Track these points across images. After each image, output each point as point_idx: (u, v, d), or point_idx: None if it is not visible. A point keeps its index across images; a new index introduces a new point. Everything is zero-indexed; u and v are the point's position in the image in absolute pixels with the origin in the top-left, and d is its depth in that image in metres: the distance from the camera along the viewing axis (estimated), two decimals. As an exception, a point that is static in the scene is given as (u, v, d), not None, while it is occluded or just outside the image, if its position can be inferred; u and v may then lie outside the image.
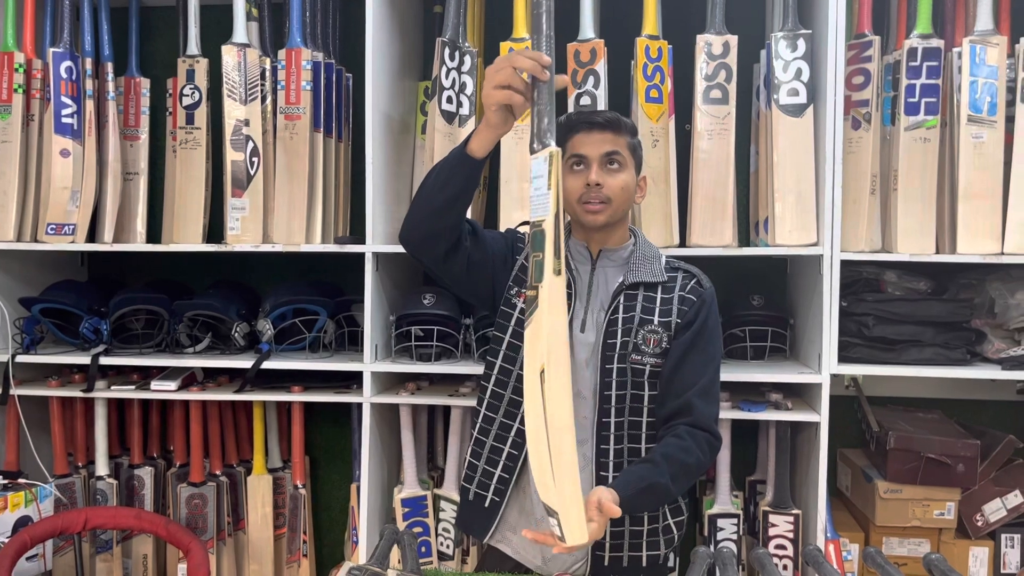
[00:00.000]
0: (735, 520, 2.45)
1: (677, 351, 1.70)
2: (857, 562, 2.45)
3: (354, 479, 2.67)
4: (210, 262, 2.93)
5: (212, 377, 2.70)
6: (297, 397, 2.56)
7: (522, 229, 1.82)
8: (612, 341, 1.70)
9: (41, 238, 2.58)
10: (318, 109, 2.54)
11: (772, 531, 2.40)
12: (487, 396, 1.80)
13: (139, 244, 2.72)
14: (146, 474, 2.76)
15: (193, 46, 2.66)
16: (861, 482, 2.55)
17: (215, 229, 2.72)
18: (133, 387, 2.59)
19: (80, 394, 2.58)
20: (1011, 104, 2.29)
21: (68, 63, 2.57)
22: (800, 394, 2.51)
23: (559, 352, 1.35)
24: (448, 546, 2.54)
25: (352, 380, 2.56)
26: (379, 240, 2.42)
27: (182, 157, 2.66)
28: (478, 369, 2.40)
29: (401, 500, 2.52)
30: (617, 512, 1.44)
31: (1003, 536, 2.44)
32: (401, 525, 2.51)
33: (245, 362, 2.50)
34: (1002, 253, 2.27)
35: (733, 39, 2.37)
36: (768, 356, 2.50)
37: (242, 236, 2.52)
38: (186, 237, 2.63)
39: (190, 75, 2.65)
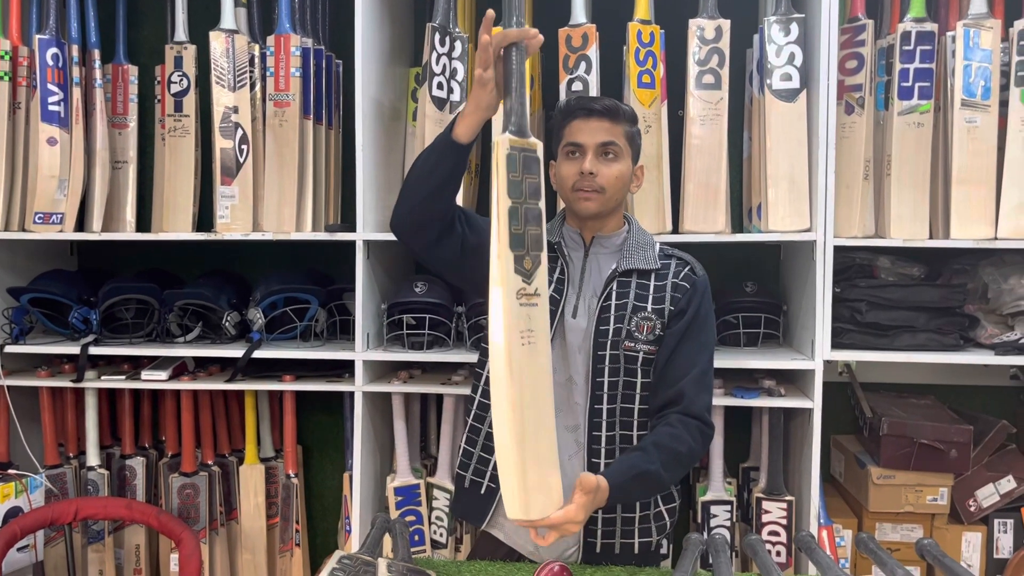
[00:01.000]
0: (728, 507, 2.44)
1: (671, 340, 1.69)
2: (850, 548, 2.45)
3: (347, 468, 2.67)
4: (200, 251, 2.91)
5: (203, 366, 2.68)
6: (289, 386, 2.55)
7: None
8: (604, 327, 1.69)
9: (29, 227, 2.56)
10: (308, 96, 2.52)
11: (765, 517, 2.40)
12: (481, 383, 1.80)
13: (128, 233, 2.70)
14: (138, 464, 2.74)
15: (181, 32, 2.63)
16: (854, 468, 2.55)
17: (205, 218, 2.71)
18: (123, 377, 2.57)
19: (70, 384, 2.56)
20: (1005, 88, 2.29)
21: (54, 50, 2.54)
22: (793, 380, 2.50)
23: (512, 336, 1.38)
24: (441, 534, 2.53)
25: (344, 369, 2.55)
26: (370, 228, 2.40)
27: (171, 145, 2.64)
28: (470, 357, 2.40)
29: (394, 489, 2.52)
30: (593, 482, 1.44)
31: (996, 521, 2.44)
32: (394, 514, 2.50)
33: (236, 351, 2.49)
34: (995, 238, 2.26)
35: (726, 23, 2.35)
36: (761, 343, 2.50)
37: (232, 225, 2.50)
38: (176, 226, 2.61)
39: (178, 62, 2.62)
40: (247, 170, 2.50)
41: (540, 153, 1.49)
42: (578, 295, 1.73)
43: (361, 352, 2.41)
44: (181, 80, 2.62)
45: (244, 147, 2.50)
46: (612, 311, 1.70)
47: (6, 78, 2.53)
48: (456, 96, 2.43)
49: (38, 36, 2.53)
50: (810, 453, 2.26)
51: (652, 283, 1.72)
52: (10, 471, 2.58)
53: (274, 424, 2.85)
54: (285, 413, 2.73)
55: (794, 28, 2.31)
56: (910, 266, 2.45)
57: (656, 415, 1.69)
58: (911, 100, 2.31)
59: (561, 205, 2.34)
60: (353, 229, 2.39)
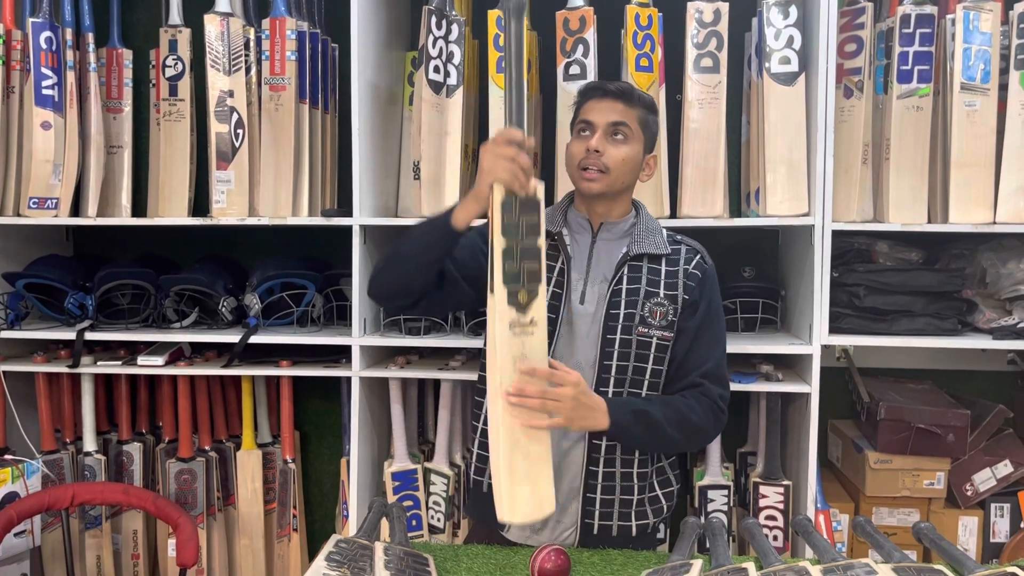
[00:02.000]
0: (725, 491, 2.45)
1: (687, 334, 1.71)
2: (847, 532, 2.45)
3: (344, 453, 2.67)
4: (196, 236, 2.90)
5: (200, 352, 2.68)
6: (286, 372, 2.54)
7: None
8: (615, 312, 1.69)
9: (24, 212, 2.55)
10: (303, 80, 2.50)
11: (763, 502, 2.40)
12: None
13: (124, 218, 2.69)
14: (135, 450, 2.74)
15: (175, 15, 2.62)
16: (851, 453, 2.56)
17: (201, 203, 2.69)
18: (120, 362, 2.57)
19: (66, 370, 2.55)
20: (1004, 72, 2.27)
21: (48, 33, 2.52)
22: (791, 365, 2.50)
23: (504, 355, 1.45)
24: (439, 519, 2.54)
25: (341, 354, 2.54)
26: (366, 213, 2.39)
27: (166, 129, 2.63)
28: (468, 342, 2.40)
29: (391, 474, 2.52)
30: (560, 370, 1.50)
31: (992, 505, 2.44)
32: (392, 499, 2.50)
33: (233, 337, 2.48)
34: (994, 223, 2.25)
35: (724, 6, 2.33)
36: (759, 327, 2.50)
37: (228, 209, 2.49)
38: (171, 211, 2.60)
39: (172, 45, 2.60)
40: (243, 155, 2.49)
41: (541, 194, 1.51)
42: (585, 281, 1.72)
43: (358, 337, 2.40)
44: (176, 64, 2.61)
45: (240, 131, 2.49)
46: (623, 295, 1.69)
47: (-1, 62, 2.52)
48: (453, 80, 2.41)
49: (31, 19, 2.51)
50: (807, 438, 2.27)
51: (664, 268, 1.72)
52: (7, 457, 2.57)
53: (271, 409, 2.85)
54: (282, 398, 2.72)
55: (793, 11, 2.29)
56: (908, 251, 2.44)
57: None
58: (910, 84, 2.30)
59: (560, 192, 2.35)
60: (350, 214, 2.38)
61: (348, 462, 2.52)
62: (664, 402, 1.67)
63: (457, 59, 2.42)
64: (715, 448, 2.45)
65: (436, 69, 2.38)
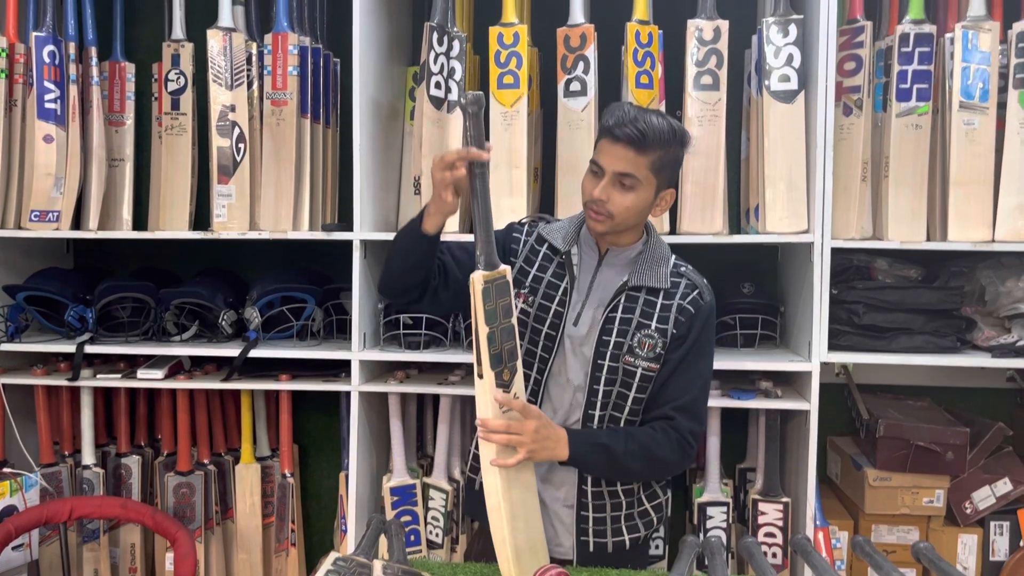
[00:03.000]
0: (724, 508, 2.44)
1: (669, 365, 1.72)
2: (846, 550, 2.45)
3: (343, 468, 2.66)
4: (197, 250, 2.90)
5: (199, 365, 2.68)
6: (285, 386, 2.54)
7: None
8: (607, 339, 1.70)
9: (25, 225, 2.55)
10: (305, 94, 2.51)
11: (762, 519, 2.40)
12: None
13: (125, 231, 2.69)
14: (133, 463, 2.74)
15: (178, 30, 2.63)
16: (851, 470, 2.55)
17: (202, 216, 2.70)
18: (119, 375, 2.57)
19: (65, 383, 2.55)
20: (1003, 90, 2.28)
21: (51, 47, 2.53)
22: (790, 382, 2.50)
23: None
24: (437, 535, 2.53)
25: (340, 368, 2.54)
26: (367, 227, 2.40)
27: (168, 143, 2.63)
28: (467, 357, 2.40)
29: (390, 489, 2.51)
30: (509, 401, 1.57)
31: (992, 523, 2.44)
32: (390, 514, 2.50)
33: (232, 350, 2.48)
34: (993, 240, 2.26)
35: (724, 24, 2.34)
36: (758, 344, 2.50)
37: (229, 223, 2.49)
38: (172, 224, 2.60)
39: (175, 60, 2.62)
40: (244, 169, 2.50)
41: (509, 277, 1.60)
42: (583, 303, 1.73)
43: (358, 352, 2.40)
44: (178, 78, 2.62)
45: (241, 146, 2.50)
46: (616, 323, 1.70)
47: (2, 75, 2.53)
48: (454, 95, 2.42)
49: (35, 33, 2.52)
50: (806, 454, 2.26)
51: (660, 301, 1.72)
52: (5, 470, 2.57)
53: (270, 423, 2.84)
54: (281, 412, 2.72)
55: (792, 29, 2.30)
56: (907, 268, 2.45)
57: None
58: (909, 102, 2.30)
59: (560, 207, 2.36)
60: (350, 228, 2.38)
61: (347, 476, 2.52)
62: (629, 435, 1.68)
63: (458, 75, 2.43)
64: (714, 464, 2.45)
65: (437, 85, 2.39)
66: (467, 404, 2.57)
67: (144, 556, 2.76)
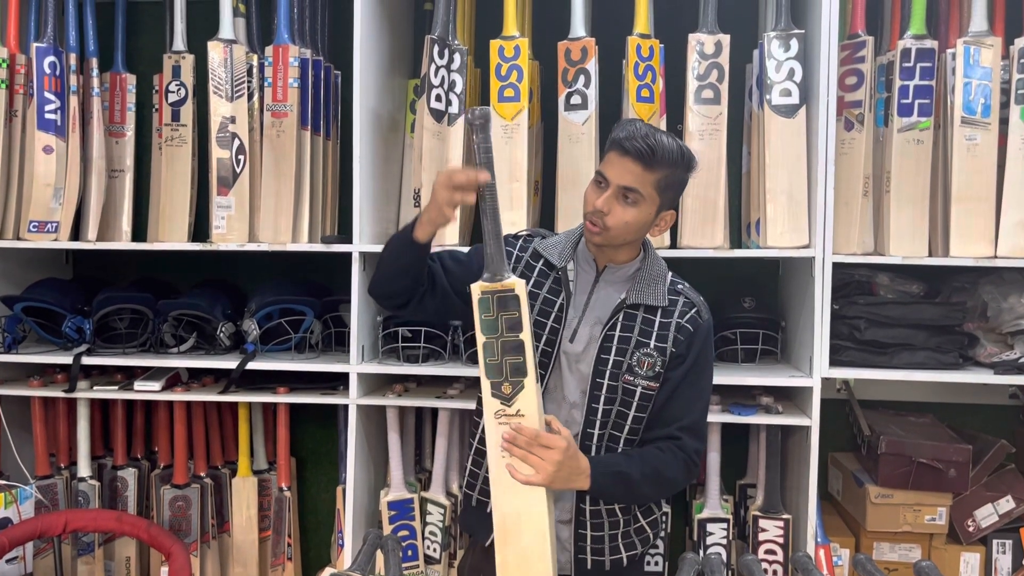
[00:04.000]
0: (725, 524, 2.42)
1: (670, 385, 1.71)
2: (847, 567, 2.43)
3: (340, 481, 2.64)
4: (196, 261, 2.89)
5: (197, 377, 2.66)
6: (282, 398, 2.53)
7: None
8: (606, 357, 1.69)
9: (24, 235, 2.54)
10: (305, 106, 2.51)
11: (762, 536, 2.37)
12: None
13: (124, 242, 2.69)
14: (129, 475, 2.72)
15: (179, 42, 2.63)
16: (852, 486, 2.53)
17: (201, 228, 2.69)
18: (116, 387, 2.55)
19: (62, 394, 2.54)
20: (1005, 106, 2.28)
21: (52, 58, 2.53)
22: (791, 397, 2.48)
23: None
24: (435, 549, 2.51)
25: (338, 381, 2.53)
26: (366, 240, 2.39)
27: (168, 154, 2.63)
28: (466, 371, 2.39)
29: (387, 503, 2.49)
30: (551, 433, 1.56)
31: (994, 542, 2.42)
32: (387, 528, 2.48)
33: (230, 362, 2.47)
34: (995, 256, 2.25)
35: (725, 38, 2.34)
36: (759, 359, 2.48)
37: (228, 235, 2.48)
38: (171, 236, 2.59)
39: (176, 71, 2.62)
40: (244, 180, 2.49)
41: (520, 290, 1.57)
42: (580, 319, 1.72)
43: (356, 364, 2.39)
44: (179, 89, 2.62)
45: (241, 157, 2.49)
46: (615, 342, 1.69)
47: (3, 86, 2.53)
48: (454, 108, 2.41)
49: (36, 44, 2.52)
50: (807, 471, 2.25)
51: (658, 319, 1.71)
52: (0, 482, 2.55)
53: (267, 436, 2.83)
54: (279, 425, 2.70)
55: (794, 44, 2.30)
56: (909, 283, 2.43)
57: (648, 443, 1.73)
58: (911, 117, 2.30)
59: (559, 219, 2.35)
60: (350, 241, 2.38)
61: (344, 490, 2.50)
62: (643, 459, 1.68)
63: (459, 88, 2.43)
64: (714, 480, 2.43)
65: (438, 97, 2.39)
66: (466, 418, 2.56)
67: (139, 570, 2.74)
